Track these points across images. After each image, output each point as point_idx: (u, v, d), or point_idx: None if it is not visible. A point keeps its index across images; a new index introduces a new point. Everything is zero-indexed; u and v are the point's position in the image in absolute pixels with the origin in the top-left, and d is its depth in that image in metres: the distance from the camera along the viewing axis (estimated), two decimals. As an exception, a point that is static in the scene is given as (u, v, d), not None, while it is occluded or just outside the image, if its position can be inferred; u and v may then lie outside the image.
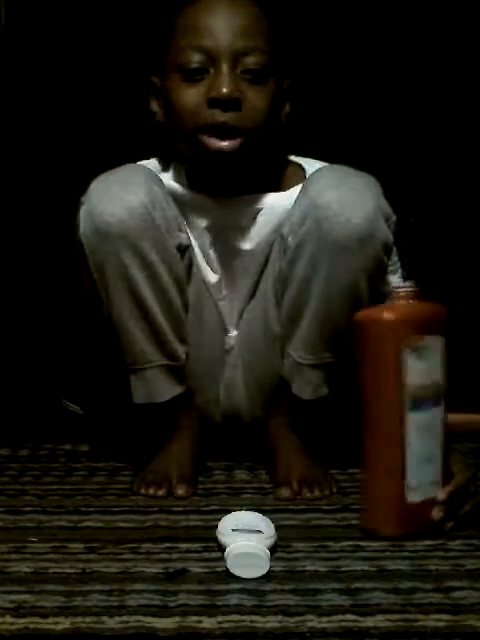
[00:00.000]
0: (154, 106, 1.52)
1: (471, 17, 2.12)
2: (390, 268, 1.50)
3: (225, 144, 1.43)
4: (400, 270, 1.54)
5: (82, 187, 1.46)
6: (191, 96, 1.44)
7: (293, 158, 1.57)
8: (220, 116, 1.42)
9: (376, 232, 1.38)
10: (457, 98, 2.17)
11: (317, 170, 1.45)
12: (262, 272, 1.53)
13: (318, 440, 1.51)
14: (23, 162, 2.10)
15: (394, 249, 1.51)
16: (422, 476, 1.23)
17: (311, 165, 1.52)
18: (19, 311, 2.05)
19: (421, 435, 1.22)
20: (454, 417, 1.41)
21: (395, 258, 1.52)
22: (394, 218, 1.43)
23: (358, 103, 2.14)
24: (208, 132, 1.43)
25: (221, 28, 1.43)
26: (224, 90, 1.41)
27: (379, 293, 1.43)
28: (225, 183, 1.50)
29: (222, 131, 1.43)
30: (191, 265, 1.51)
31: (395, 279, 1.51)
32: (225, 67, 1.42)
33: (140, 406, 1.49)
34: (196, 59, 1.43)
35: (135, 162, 1.50)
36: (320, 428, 1.51)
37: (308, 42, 2.03)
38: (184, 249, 1.48)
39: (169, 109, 1.48)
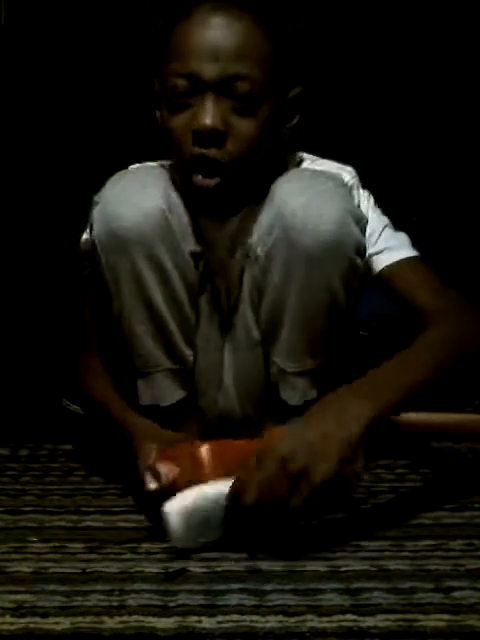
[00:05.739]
0: (158, 113, 1.48)
1: (470, 21, 2.13)
2: (391, 245, 1.46)
3: (208, 182, 1.37)
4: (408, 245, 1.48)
5: (80, 188, 1.45)
6: (176, 124, 1.38)
7: (305, 155, 1.52)
8: (202, 149, 1.36)
9: (346, 238, 1.34)
10: (457, 98, 2.17)
11: (282, 176, 1.40)
12: (241, 278, 1.50)
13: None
14: (23, 162, 2.11)
15: (391, 227, 1.47)
16: None
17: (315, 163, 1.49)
18: (19, 311, 2.05)
19: None
20: (454, 417, 1.41)
21: (393, 241, 1.47)
22: (366, 219, 1.40)
23: (359, 103, 2.15)
24: (193, 167, 1.37)
25: (208, 51, 1.35)
26: (206, 122, 1.34)
27: (355, 294, 1.41)
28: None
29: (205, 164, 1.36)
30: (206, 270, 1.47)
31: (405, 252, 1.46)
32: (210, 96, 1.35)
33: (143, 409, 1.48)
34: (181, 86, 1.36)
35: (135, 162, 1.49)
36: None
37: (316, 44, 2.02)
38: (198, 255, 1.45)
39: (163, 132, 1.42)
